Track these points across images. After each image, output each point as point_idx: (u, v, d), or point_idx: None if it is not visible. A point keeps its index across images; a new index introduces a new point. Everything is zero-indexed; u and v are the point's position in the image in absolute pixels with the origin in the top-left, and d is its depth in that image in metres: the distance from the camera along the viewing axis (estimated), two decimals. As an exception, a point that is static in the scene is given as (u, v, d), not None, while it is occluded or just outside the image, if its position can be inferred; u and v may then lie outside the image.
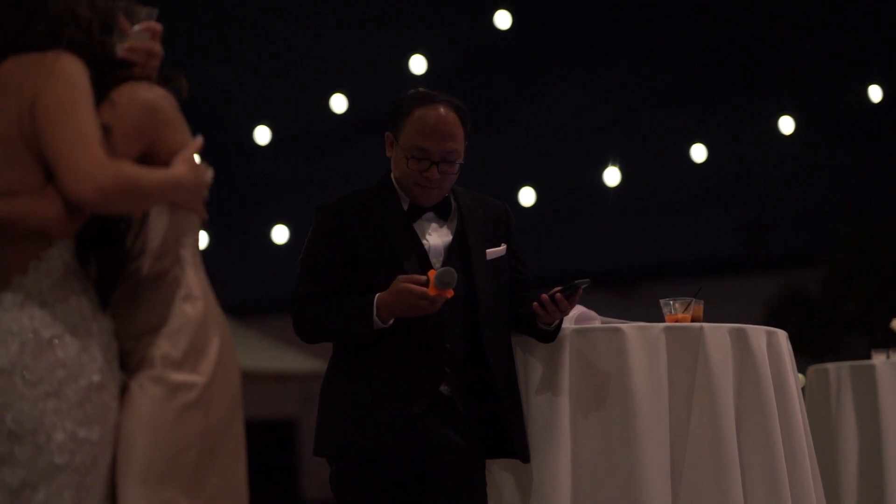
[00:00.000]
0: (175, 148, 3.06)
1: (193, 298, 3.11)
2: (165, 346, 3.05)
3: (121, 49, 3.13)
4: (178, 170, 3.01)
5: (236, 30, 20.60)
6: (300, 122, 19.14)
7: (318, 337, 4.35)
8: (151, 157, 3.04)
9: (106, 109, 2.97)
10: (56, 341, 2.90)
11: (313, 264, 4.34)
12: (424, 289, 4.12)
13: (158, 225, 3.10)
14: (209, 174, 3.12)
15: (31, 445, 2.87)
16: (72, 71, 2.93)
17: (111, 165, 2.84)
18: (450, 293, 4.13)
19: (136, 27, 3.18)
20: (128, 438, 2.99)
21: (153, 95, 3.09)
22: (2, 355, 2.87)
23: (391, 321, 4.18)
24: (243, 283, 23.71)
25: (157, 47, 3.22)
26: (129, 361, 3.06)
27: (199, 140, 3.11)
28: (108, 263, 3.07)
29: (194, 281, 3.13)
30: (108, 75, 3.01)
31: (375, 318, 4.16)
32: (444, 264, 4.24)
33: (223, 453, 3.09)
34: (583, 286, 4.29)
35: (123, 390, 3.04)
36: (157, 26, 3.23)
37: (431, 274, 4.14)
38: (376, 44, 19.28)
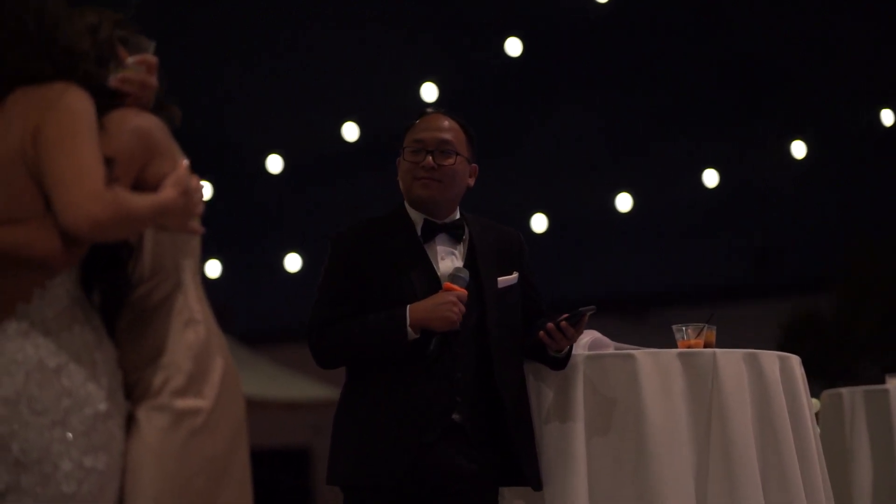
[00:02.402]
0: (166, 174, 3.05)
1: (195, 323, 3.10)
2: (169, 373, 3.05)
3: (113, 79, 3.14)
4: (165, 194, 2.99)
5: (249, 61, 20.66)
6: (312, 150, 19.16)
7: (341, 355, 4.35)
8: (142, 182, 3.04)
9: (102, 139, 2.98)
10: (61, 370, 2.90)
11: (331, 292, 4.36)
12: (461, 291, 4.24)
13: (158, 250, 3.10)
14: (202, 193, 3.12)
15: (38, 475, 2.86)
16: (77, 103, 2.93)
17: (107, 196, 2.83)
18: (464, 291, 4.24)
19: (131, 59, 3.19)
20: (136, 468, 2.99)
21: (144, 122, 3.09)
22: (7, 385, 2.86)
23: (418, 334, 4.22)
24: (256, 312, 23.68)
25: (152, 80, 3.22)
26: (133, 390, 3.05)
27: (186, 163, 3.10)
28: (111, 291, 3.08)
29: (195, 305, 3.13)
30: (98, 105, 3.02)
31: (408, 329, 4.21)
32: None
33: (230, 477, 3.09)
34: (588, 313, 4.30)
35: (129, 419, 3.03)
36: (153, 59, 3.23)
37: (447, 286, 4.25)
38: (387, 71, 19.32)
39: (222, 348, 3.16)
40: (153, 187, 3.03)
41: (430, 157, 4.38)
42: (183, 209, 3.04)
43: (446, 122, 4.46)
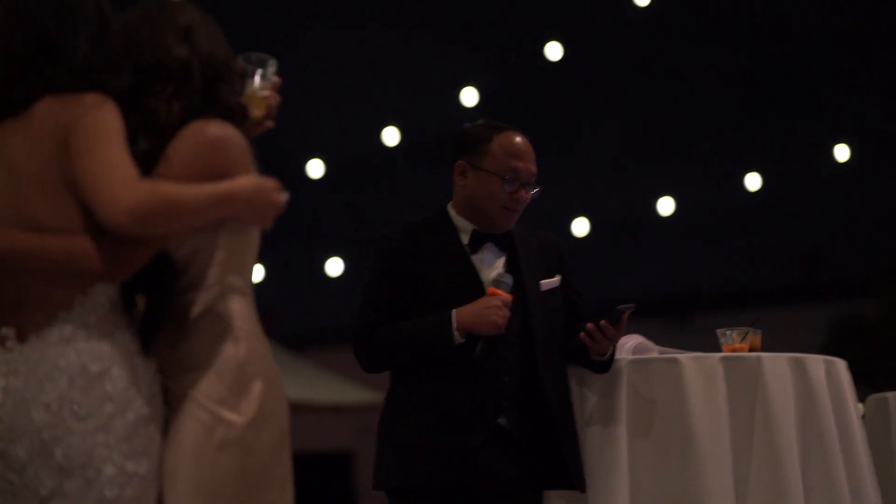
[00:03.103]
0: None
1: (236, 339, 3.07)
2: (206, 384, 3.03)
3: (264, 96, 3.20)
4: (234, 183, 2.97)
5: (292, 67, 20.79)
6: (353, 154, 19.21)
7: (386, 359, 4.35)
8: None
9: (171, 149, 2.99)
10: (104, 375, 2.90)
11: (376, 297, 4.36)
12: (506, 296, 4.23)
13: (206, 262, 3.08)
14: (282, 196, 3.06)
15: (81, 480, 2.86)
16: (106, 113, 2.92)
17: (142, 185, 2.82)
18: (509, 296, 4.23)
19: (272, 77, 3.24)
20: (171, 472, 2.98)
21: (224, 132, 3.05)
22: (50, 390, 2.86)
23: (463, 338, 4.21)
24: (298, 316, 23.76)
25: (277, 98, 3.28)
26: (169, 398, 3.05)
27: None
28: (154, 303, 3.06)
29: (240, 322, 3.09)
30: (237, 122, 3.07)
31: (454, 332, 4.20)
32: None
33: (267, 490, 3.07)
34: (627, 311, 4.28)
35: (166, 424, 3.03)
36: (278, 79, 3.27)
37: (490, 291, 4.24)
38: (427, 75, 19.35)
39: (266, 366, 3.11)
40: None
41: (524, 191, 4.37)
42: (253, 198, 3.00)
43: (531, 150, 4.42)
